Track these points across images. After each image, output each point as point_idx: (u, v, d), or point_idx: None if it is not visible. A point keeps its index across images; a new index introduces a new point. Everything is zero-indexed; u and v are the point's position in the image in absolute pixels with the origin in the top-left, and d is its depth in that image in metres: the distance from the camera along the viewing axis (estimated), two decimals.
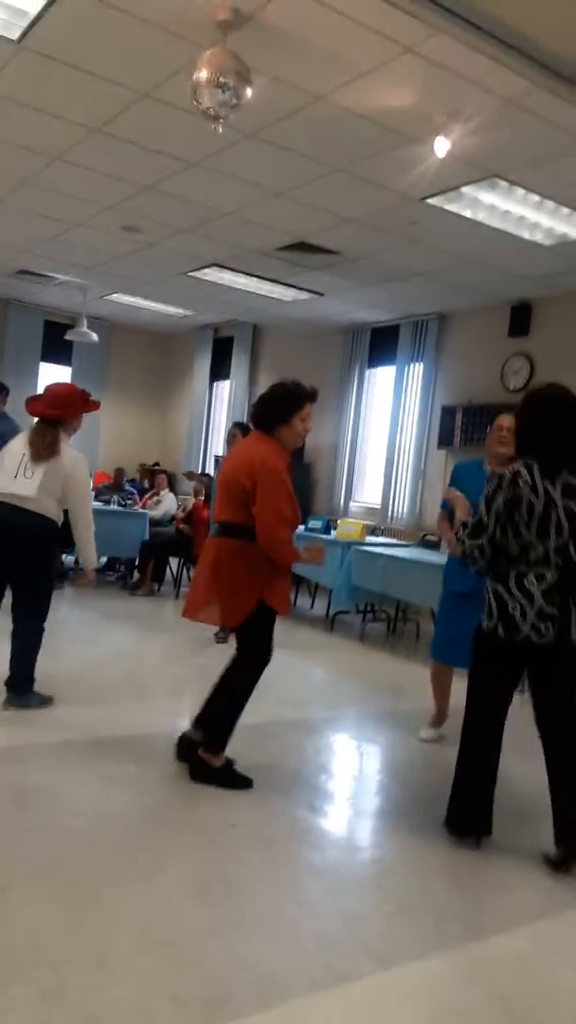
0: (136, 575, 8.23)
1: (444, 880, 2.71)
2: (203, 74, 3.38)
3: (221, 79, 3.38)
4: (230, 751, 3.41)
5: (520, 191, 5.01)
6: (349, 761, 3.98)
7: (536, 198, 5.09)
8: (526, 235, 5.75)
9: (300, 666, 3.73)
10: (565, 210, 5.23)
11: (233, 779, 3.34)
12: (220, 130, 3.65)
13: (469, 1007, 2.07)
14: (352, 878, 2.68)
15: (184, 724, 3.59)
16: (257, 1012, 1.95)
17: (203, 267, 7.69)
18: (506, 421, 4.00)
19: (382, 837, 3.06)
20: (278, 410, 3.33)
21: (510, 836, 3.02)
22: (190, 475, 9.06)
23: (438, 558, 6.56)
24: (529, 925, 2.48)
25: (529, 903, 2.61)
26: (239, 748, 3.78)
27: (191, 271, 7.89)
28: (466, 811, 2.97)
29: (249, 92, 3.47)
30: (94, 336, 9.33)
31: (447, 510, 4.20)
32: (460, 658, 3.87)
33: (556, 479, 2.81)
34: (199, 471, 10.67)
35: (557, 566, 2.81)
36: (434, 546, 7.57)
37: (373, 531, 7.89)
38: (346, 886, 2.62)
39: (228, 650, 3.88)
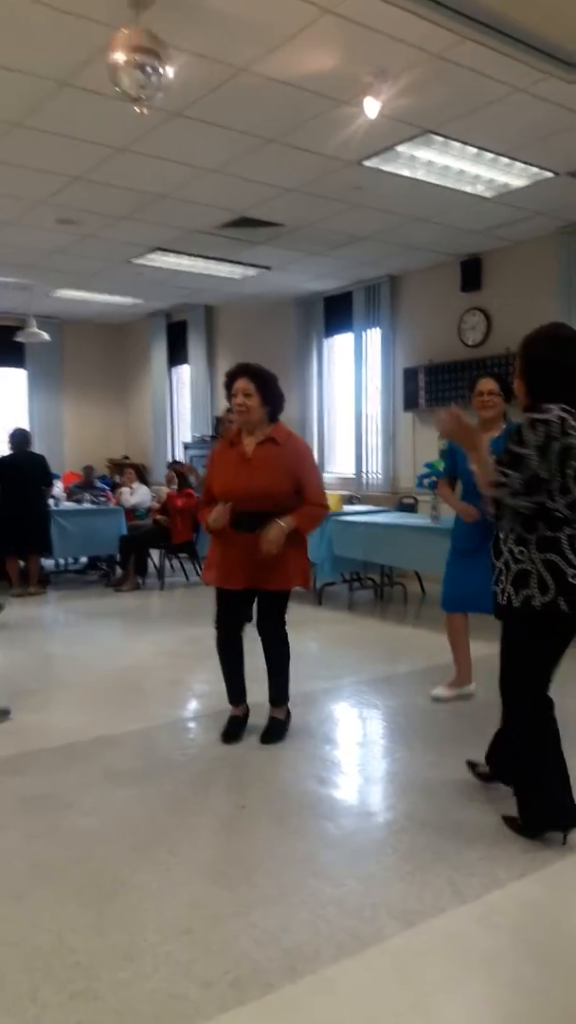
0: (119, 571, 8.20)
1: (456, 837, 2.75)
2: (119, 56, 3.31)
3: (138, 59, 3.31)
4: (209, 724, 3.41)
5: (456, 145, 4.98)
6: (352, 729, 4.02)
7: (473, 150, 5.07)
8: (468, 189, 5.73)
9: (293, 641, 3.74)
10: (504, 160, 5.22)
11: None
12: (145, 112, 3.59)
13: (494, 954, 2.11)
14: (367, 843, 2.72)
15: (183, 713, 3.60)
16: (288, 983, 1.98)
17: (146, 253, 7.60)
18: (487, 385, 3.99)
19: (392, 800, 3.10)
20: (227, 397, 3.64)
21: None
22: (178, 467, 8.83)
23: (416, 520, 6.61)
24: (542, 871, 2.52)
25: (541, 851, 2.65)
26: (223, 743, 3.80)
27: (134, 258, 7.79)
28: (559, 803, 2.68)
29: (170, 70, 3.40)
30: (45, 335, 9.21)
31: (448, 476, 4.21)
32: (471, 604, 3.99)
33: None
34: (171, 459, 10.62)
35: None
36: (411, 508, 7.62)
37: (350, 500, 7.91)
38: (362, 852, 2.65)
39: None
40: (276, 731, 3.70)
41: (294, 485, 3.55)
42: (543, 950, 2.12)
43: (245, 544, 3.49)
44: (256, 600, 3.69)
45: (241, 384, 3.54)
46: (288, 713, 3.80)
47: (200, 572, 8.01)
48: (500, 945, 2.15)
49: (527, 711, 2.73)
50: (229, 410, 3.86)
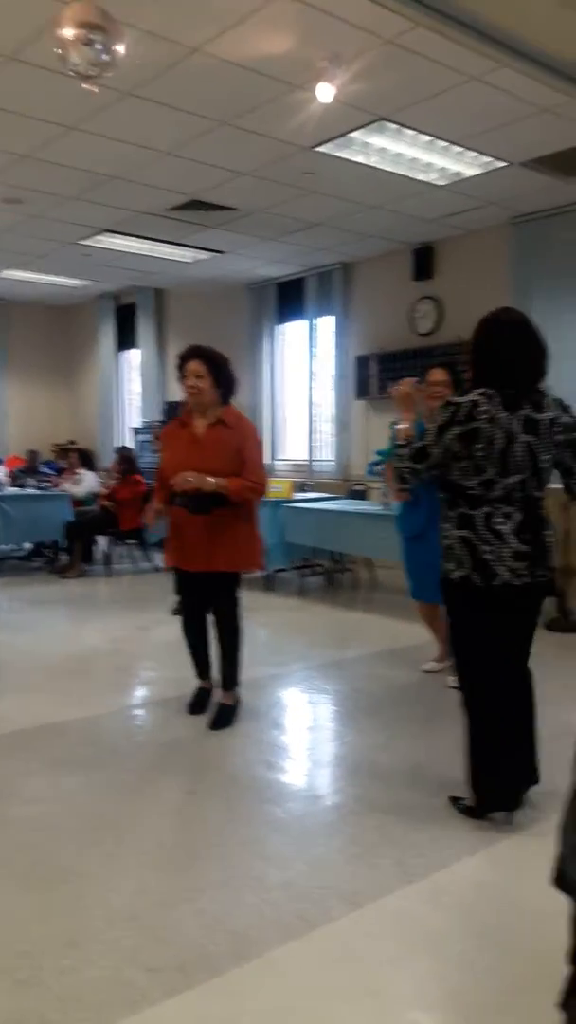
0: (64, 558, 8.08)
1: (404, 818, 2.78)
2: (68, 31, 3.22)
3: (88, 35, 3.23)
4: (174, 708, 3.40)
5: (409, 132, 5.00)
6: (301, 714, 4.04)
7: (426, 138, 5.09)
8: (420, 176, 5.76)
9: (244, 628, 3.75)
10: (456, 148, 5.25)
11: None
12: (95, 90, 3.52)
13: (439, 931, 2.15)
14: (315, 826, 2.73)
15: (130, 700, 3.57)
16: (234, 968, 1.98)
17: (95, 234, 7.46)
18: (436, 375, 4.01)
19: (340, 784, 3.12)
20: (180, 381, 3.67)
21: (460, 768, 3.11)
22: (124, 451, 8.67)
23: (367, 507, 6.64)
24: (488, 850, 2.57)
25: (485, 830, 2.70)
26: (188, 716, 3.79)
27: (83, 239, 7.65)
28: (494, 787, 2.71)
29: (121, 48, 3.33)
30: None
31: (390, 457, 4.24)
32: (430, 595, 4.01)
33: (517, 411, 2.61)
34: (119, 445, 10.48)
35: (520, 502, 2.64)
36: (361, 495, 7.66)
37: (301, 487, 7.92)
38: (310, 835, 2.67)
39: (165, 621, 3.85)
40: (225, 717, 3.71)
41: (242, 467, 3.59)
42: (488, 927, 2.16)
43: (200, 525, 3.53)
44: (207, 582, 3.70)
45: (193, 366, 3.57)
46: (238, 699, 3.82)
47: (148, 559, 7.97)
48: (446, 924, 2.18)
49: (473, 688, 2.75)
50: None
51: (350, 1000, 1.88)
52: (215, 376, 3.59)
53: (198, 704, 3.85)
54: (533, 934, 2.11)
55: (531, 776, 2.79)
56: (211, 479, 3.47)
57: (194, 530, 3.56)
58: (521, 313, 2.77)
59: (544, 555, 2.68)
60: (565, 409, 2.76)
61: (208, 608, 3.80)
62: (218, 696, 3.81)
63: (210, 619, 3.83)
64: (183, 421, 3.71)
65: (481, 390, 2.62)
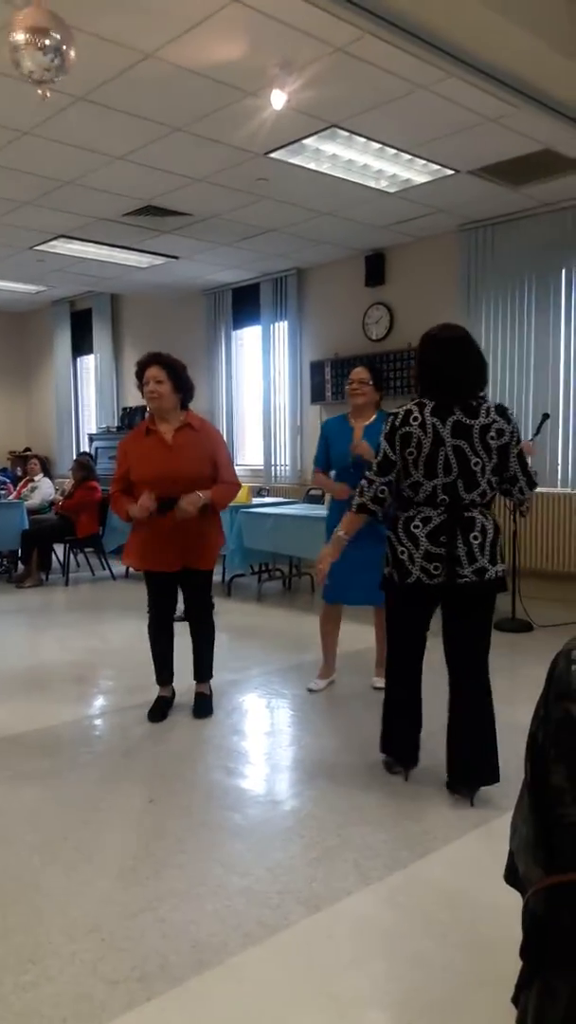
0: (20, 567, 7.97)
1: (361, 821, 2.81)
2: (20, 36, 3.20)
3: (41, 40, 3.21)
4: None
5: (360, 140, 5.05)
6: (259, 719, 4.04)
7: (376, 145, 5.15)
8: (371, 183, 5.82)
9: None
10: (405, 156, 5.32)
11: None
12: (48, 95, 3.48)
13: (396, 931, 2.17)
14: (274, 832, 2.75)
15: (89, 710, 3.54)
16: (194, 976, 1.99)
17: (49, 240, 7.40)
18: (357, 374, 4.19)
19: (299, 788, 3.14)
20: (138, 387, 3.77)
21: (418, 769, 3.15)
22: (81, 458, 8.58)
23: (323, 511, 6.67)
24: (442, 849, 2.61)
25: (440, 829, 2.75)
26: (148, 725, 3.78)
27: (37, 245, 7.57)
28: (393, 742, 3.11)
29: (73, 53, 3.32)
30: None
31: (322, 467, 4.28)
32: (347, 596, 4.12)
33: (447, 417, 2.81)
34: (78, 451, 10.38)
35: (444, 505, 2.84)
36: (318, 500, 7.70)
37: (259, 492, 7.93)
38: (269, 840, 2.68)
39: (124, 630, 3.78)
40: (206, 705, 3.92)
41: (212, 469, 3.73)
42: (443, 926, 2.20)
43: (174, 527, 3.62)
44: (182, 582, 3.85)
45: (152, 372, 3.66)
46: (211, 689, 4.03)
47: (106, 566, 7.90)
48: (403, 924, 2.21)
49: (388, 659, 3.14)
50: None
51: (310, 1004, 1.90)
52: (174, 381, 3.68)
53: (160, 712, 3.88)
54: (489, 931, 2.15)
55: (410, 758, 3.12)
56: (201, 494, 3.62)
57: (167, 532, 3.64)
58: (461, 329, 2.99)
59: (468, 557, 2.83)
60: (505, 417, 2.88)
61: (173, 610, 3.91)
62: (194, 688, 4.01)
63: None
64: (148, 428, 3.76)
65: (415, 400, 2.88)
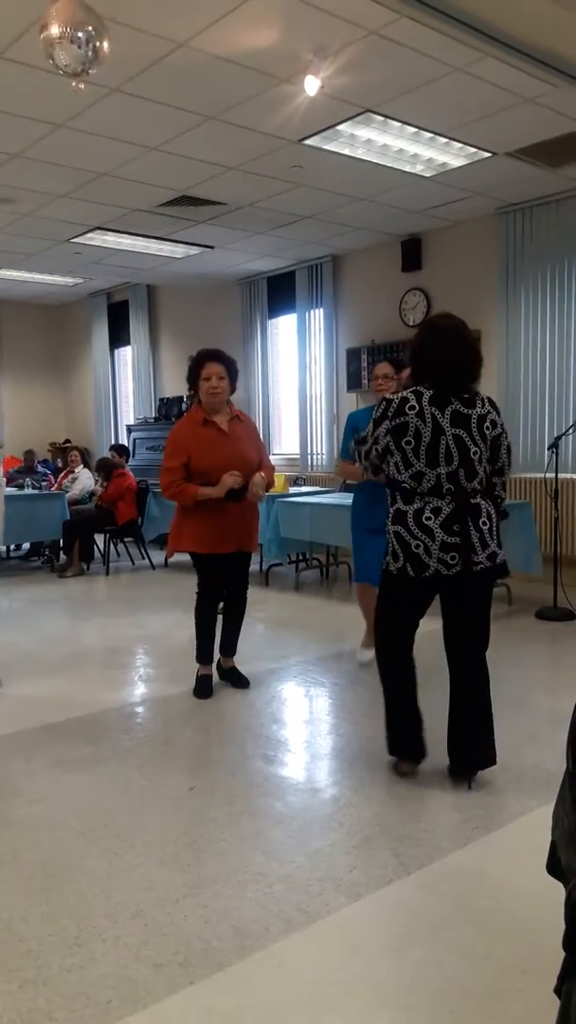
0: (63, 557, 8.09)
1: (400, 809, 2.81)
2: (55, 30, 3.22)
3: (74, 33, 3.23)
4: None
5: (395, 124, 5.00)
6: (298, 707, 4.06)
7: (412, 129, 5.09)
8: (407, 168, 5.76)
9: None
10: (441, 139, 5.25)
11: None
12: (82, 87, 3.50)
13: (437, 920, 2.17)
14: (314, 819, 2.76)
15: (130, 698, 3.58)
16: (238, 961, 2.01)
17: (86, 232, 7.45)
18: (380, 369, 4.21)
19: (338, 776, 3.15)
20: (189, 379, 3.97)
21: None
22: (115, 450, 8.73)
23: None
24: (483, 839, 2.60)
25: (480, 819, 2.74)
26: (188, 712, 3.82)
27: (74, 237, 7.64)
28: (399, 737, 3.07)
29: (106, 45, 3.33)
30: None
31: (349, 458, 4.29)
32: (374, 577, 4.15)
33: (446, 407, 2.81)
34: (112, 442, 10.48)
35: (450, 494, 2.82)
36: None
37: (296, 481, 7.93)
38: (309, 828, 2.69)
39: (163, 618, 3.83)
40: (244, 676, 4.21)
41: (258, 455, 4.03)
42: (484, 914, 2.19)
43: (233, 511, 3.86)
44: (231, 563, 4.06)
45: (216, 368, 3.88)
46: None
47: (145, 556, 7.98)
48: (444, 912, 2.21)
49: (381, 659, 3.09)
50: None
51: (351, 990, 1.91)
52: (231, 377, 3.95)
53: (207, 689, 4.08)
54: (530, 920, 2.14)
55: (418, 750, 3.06)
56: (261, 477, 3.91)
57: (228, 516, 3.88)
58: (459, 319, 2.97)
59: (481, 543, 2.84)
60: (496, 409, 2.95)
61: (222, 592, 4.15)
62: (228, 664, 4.27)
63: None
64: (204, 419, 3.94)
65: (413, 388, 2.85)
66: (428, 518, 2.83)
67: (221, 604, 4.19)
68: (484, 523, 2.87)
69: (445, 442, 2.79)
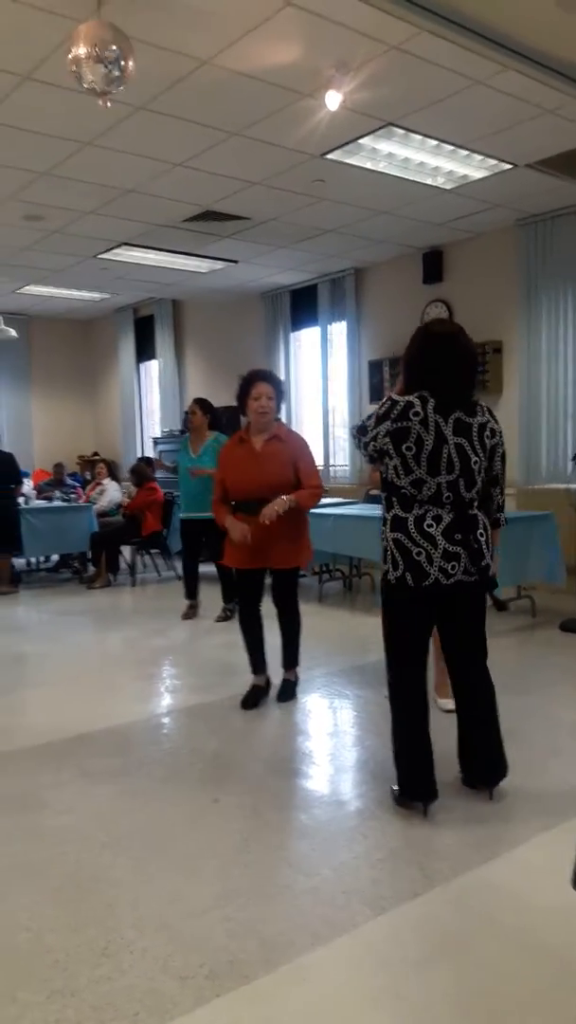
0: (91, 568, 8.16)
1: (425, 823, 2.80)
2: (82, 50, 3.29)
3: (101, 53, 3.29)
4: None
5: (416, 137, 5.02)
6: (322, 719, 4.06)
7: (433, 143, 5.11)
8: (428, 181, 5.78)
9: (265, 634, 3.79)
10: (462, 152, 5.26)
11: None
12: (108, 105, 3.57)
13: (463, 934, 2.16)
14: (339, 832, 2.76)
15: (156, 709, 3.60)
16: (264, 974, 2.01)
17: (113, 248, 7.55)
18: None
19: (363, 788, 3.14)
20: (238, 400, 4.04)
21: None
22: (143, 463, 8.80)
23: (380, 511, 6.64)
24: (509, 854, 2.58)
25: (505, 833, 2.72)
26: (213, 723, 3.84)
27: (101, 253, 7.74)
28: (408, 775, 2.87)
29: (132, 63, 3.39)
30: (13, 332, 9.10)
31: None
32: None
33: (449, 415, 2.74)
34: (139, 455, 10.56)
35: (450, 503, 2.77)
36: (378, 500, 7.65)
37: None
38: (334, 841, 2.69)
39: (190, 629, 3.84)
40: (290, 690, 4.21)
41: (295, 475, 3.99)
42: (511, 930, 2.18)
43: (259, 531, 3.88)
44: (273, 578, 4.13)
45: (265, 388, 3.97)
46: (297, 676, 4.32)
47: (171, 567, 8.02)
48: (470, 927, 2.20)
49: (391, 683, 2.95)
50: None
51: (377, 1004, 1.91)
52: (278, 398, 4.04)
53: (253, 700, 4.11)
54: (557, 936, 2.12)
55: (431, 791, 2.85)
56: (285, 498, 3.85)
57: (256, 537, 3.89)
58: (455, 325, 2.93)
59: (476, 554, 2.79)
60: (495, 418, 2.90)
61: (259, 602, 4.18)
62: (283, 675, 4.28)
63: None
64: (241, 438, 4.06)
65: (417, 393, 2.76)
66: (430, 525, 2.77)
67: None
68: (481, 534, 2.82)
69: (447, 451, 2.73)
